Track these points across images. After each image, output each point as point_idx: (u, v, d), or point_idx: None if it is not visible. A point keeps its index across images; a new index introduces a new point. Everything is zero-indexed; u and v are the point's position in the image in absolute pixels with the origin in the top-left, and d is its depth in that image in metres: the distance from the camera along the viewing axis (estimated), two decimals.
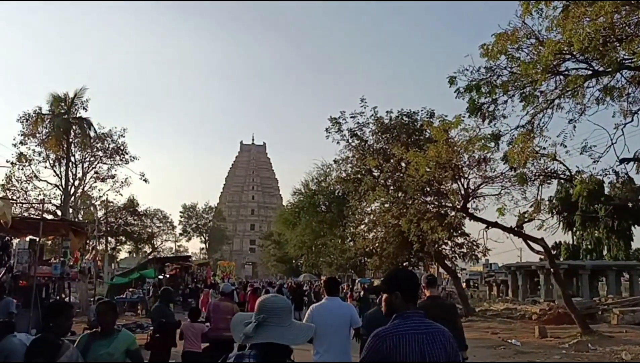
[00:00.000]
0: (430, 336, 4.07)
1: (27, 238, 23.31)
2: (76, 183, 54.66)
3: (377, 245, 35.74)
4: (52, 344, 5.91)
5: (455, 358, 4.13)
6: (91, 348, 6.58)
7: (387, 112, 38.94)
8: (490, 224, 25.74)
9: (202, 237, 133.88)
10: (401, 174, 31.80)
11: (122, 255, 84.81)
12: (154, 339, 11.64)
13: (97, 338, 6.73)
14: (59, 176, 52.70)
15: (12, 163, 50.62)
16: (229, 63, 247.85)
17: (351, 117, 39.07)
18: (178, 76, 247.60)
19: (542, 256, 30.57)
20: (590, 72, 16.50)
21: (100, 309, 7.21)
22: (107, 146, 55.95)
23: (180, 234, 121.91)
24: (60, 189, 52.80)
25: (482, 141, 20.09)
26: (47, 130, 51.09)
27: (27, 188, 52.00)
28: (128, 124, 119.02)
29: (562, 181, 26.02)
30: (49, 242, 42.30)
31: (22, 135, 50.89)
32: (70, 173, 53.32)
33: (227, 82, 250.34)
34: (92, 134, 53.56)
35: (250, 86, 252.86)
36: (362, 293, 29.81)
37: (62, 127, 50.54)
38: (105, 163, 56.58)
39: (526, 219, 24.14)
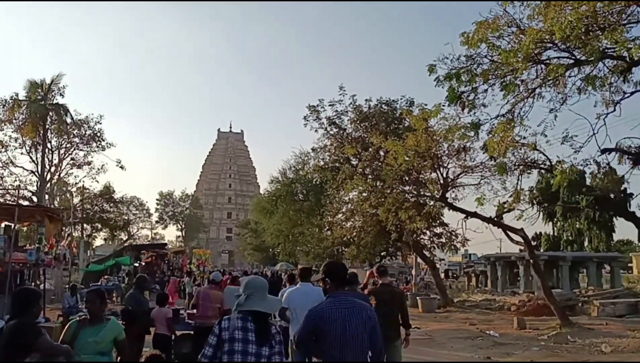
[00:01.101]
0: (350, 310, 5.72)
1: (2, 224, 23.21)
2: (52, 169, 54.30)
3: (354, 234, 35.87)
4: (39, 328, 6.05)
5: (371, 328, 5.74)
6: (79, 336, 6.61)
7: (366, 100, 39.19)
8: (470, 214, 25.83)
9: (178, 225, 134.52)
10: (379, 163, 31.81)
11: (98, 242, 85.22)
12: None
13: (86, 326, 6.76)
14: (35, 162, 52.35)
15: None
16: (207, 49, 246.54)
17: (330, 105, 39.15)
18: (154, 62, 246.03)
19: (522, 247, 30.66)
20: (572, 61, 16.49)
21: (89, 297, 7.24)
22: (84, 132, 55.52)
23: (157, 222, 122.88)
24: (36, 176, 52.47)
25: (462, 130, 20.02)
26: (23, 116, 50.63)
27: (2, 174, 51.67)
28: (104, 110, 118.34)
29: (543, 171, 26.02)
30: (24, 228, 42.07)
31: None
32: (46, 160, 52.95)
33: (204, 69, 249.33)
34: (68, 120, 53.20)
35: (228, 73, 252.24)
36: None
37: (39, 113, 50.08)
38: (81, 150, 56.25)
39: (506, 210, 24.20)
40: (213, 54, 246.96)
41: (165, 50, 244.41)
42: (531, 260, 27.24)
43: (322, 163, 42.72)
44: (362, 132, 38.01)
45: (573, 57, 16.46)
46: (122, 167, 56.92)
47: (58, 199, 64.54)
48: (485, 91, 18.03)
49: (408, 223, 26.94)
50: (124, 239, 78.16)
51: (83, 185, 59.90)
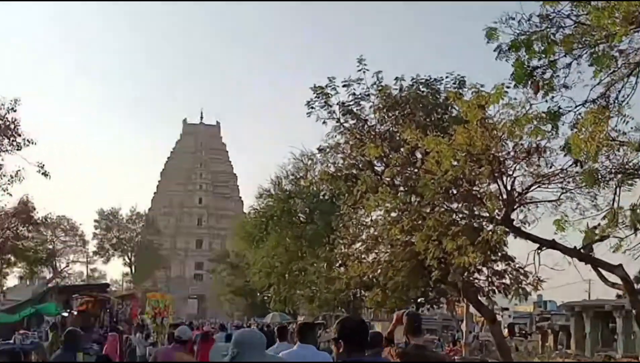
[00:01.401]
0: None
1: None
2: None
3: (379, 272, 35.83)
4: None
5: None
6: None
7: (396, 79, 38.78)
8: (545, 244, 25.76)
9: (125, 257, 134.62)
10: (416, 170, 31.87)
11: (10, 281, 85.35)
12: None
13: None
14: None
15: None
16: (166, 11, 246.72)
17: (344, 86, 38.79)
18: (89, 25, 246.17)
19: (621, 292, 30.67)
20: None
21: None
22: None
23: (95, 252, 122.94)
24: None
25: (534, 122, 20.05)
26: None
27: None
28: (20, 93, 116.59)
29: None
30: None
31: None
32: None
33: (162, 34, 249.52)
34: None
35: (198, 40, 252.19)
36: None
37: None
38: None
39: (597, 237, 24.14)
40: (174, 13, 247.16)
41: (104, 9, 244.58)
42: (633, 310, 27.22)
43: (332, 168, 42.67)
44: (391, 125, 37.92)
45: None
46: (45, 174, 57.14)
47: None
48: (568, 65, 18.02)
49: (456, 256, 26.89)
50: (48, 277, 78.46)
51: None
